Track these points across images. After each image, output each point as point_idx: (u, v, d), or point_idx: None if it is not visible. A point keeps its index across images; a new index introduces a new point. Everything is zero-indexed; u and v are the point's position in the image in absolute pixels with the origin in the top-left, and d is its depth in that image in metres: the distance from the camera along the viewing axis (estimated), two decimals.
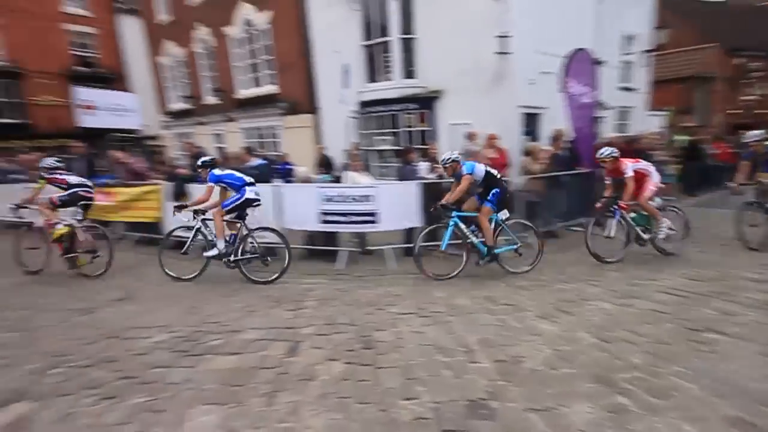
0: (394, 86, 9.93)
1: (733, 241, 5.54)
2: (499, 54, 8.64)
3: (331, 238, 6.07)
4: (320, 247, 6.13)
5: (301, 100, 12.07)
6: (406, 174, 6.18)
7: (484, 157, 6.48)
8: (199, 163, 5.20)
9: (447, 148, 8.37)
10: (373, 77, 10.44)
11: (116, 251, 5.50)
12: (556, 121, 7.85)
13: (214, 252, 5.01)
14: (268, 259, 5.13)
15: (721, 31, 17.86)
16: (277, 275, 5.02)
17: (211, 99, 14.79)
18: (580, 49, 7.24)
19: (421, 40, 9.54)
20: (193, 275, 5.11)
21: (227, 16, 13.12)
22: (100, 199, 6.86)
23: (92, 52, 21.58)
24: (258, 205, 5.15)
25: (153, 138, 18.67)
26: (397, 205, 5.72)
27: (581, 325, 3.43)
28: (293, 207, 5.85)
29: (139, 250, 6.76)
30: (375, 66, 10.37)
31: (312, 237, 6.21)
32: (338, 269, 5.64)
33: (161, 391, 2.63)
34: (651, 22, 13.47)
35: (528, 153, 7.23)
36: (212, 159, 5.41)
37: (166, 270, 5.14)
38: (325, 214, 5.72)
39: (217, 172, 5.04)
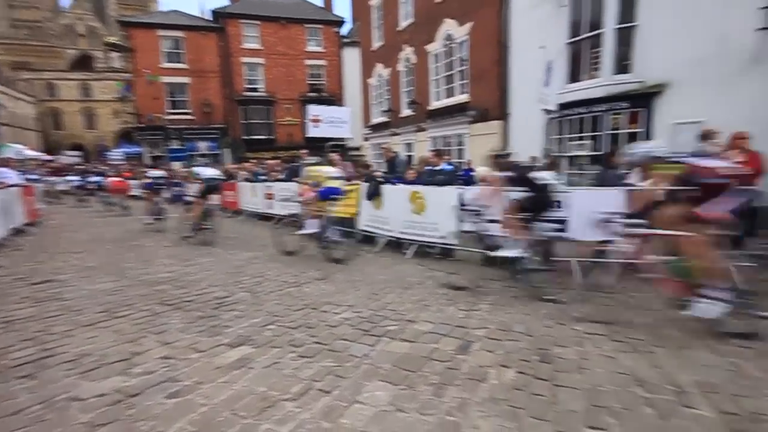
0: (600, 84, 8.83)
1: None
2: (762, 30, 6.64)
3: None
4: (494, 253, 5.87)
5: (491, 107, 11.99)
6: (608, 179, 5.37)
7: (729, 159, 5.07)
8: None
9: (669, 149, 7.02)
10: (575, 77, 9.54)
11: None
12: None
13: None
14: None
15: None
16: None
17: (406, 111, 16.17)
18: None
19: (642, 27, 8.20)
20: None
21: (431, 35, 14.12)
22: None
23: (321, 81, 26.66)
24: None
25: (356, 148, 21.76)
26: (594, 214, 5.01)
27: None
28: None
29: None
30: (579, 65, 9.45)
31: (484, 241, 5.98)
32: (513, 278, 5.29)
33: (345, 360, 2.95)
34: None
35: None
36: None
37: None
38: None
39: None
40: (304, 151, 9.22)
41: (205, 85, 24.56)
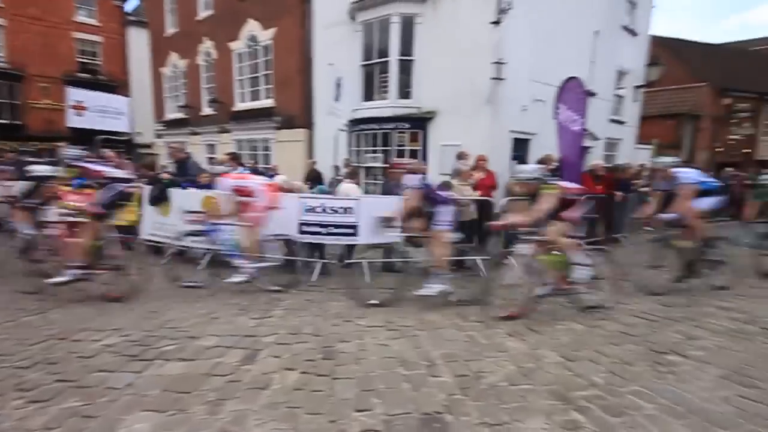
0: (388, 105, 10.04)
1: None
2: (494, 79, 8.80)
3: (307, 249, 5.97)
4: (295, 258, 6.02)
5: (296, 114, 12.20)
6: (391, 189, 6.15)
7: (473, 177, 6.56)
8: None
9: (437, 167, 8.56)
10: (369, 96, 10.58)
11: None
12: (546, 147, 7.92)
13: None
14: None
15: (711, 71, 18.37)
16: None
17: (207, 110, 14.92)
18: (572, 78, 7.37)
19: (418, 62, 9.72)
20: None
21: (234, 32, 13.38)
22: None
23: (97, 60, 21.95)
24: None
25: (148, 146, 18.80)
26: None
27: (548, 344, 3.35)
28: (275, 216, 5.77)
29: None
30: (372, 85, 10.53)
31: (288, 247, 6.10)
32: (312, 281, 5.52)
33: (98, 396, 2.50)
34: (644, 58, 13.86)
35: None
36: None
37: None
38: (305, 224, 5.65)
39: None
40: (63, 144, 7.35)
41: None
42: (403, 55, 9.79)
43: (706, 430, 2.22)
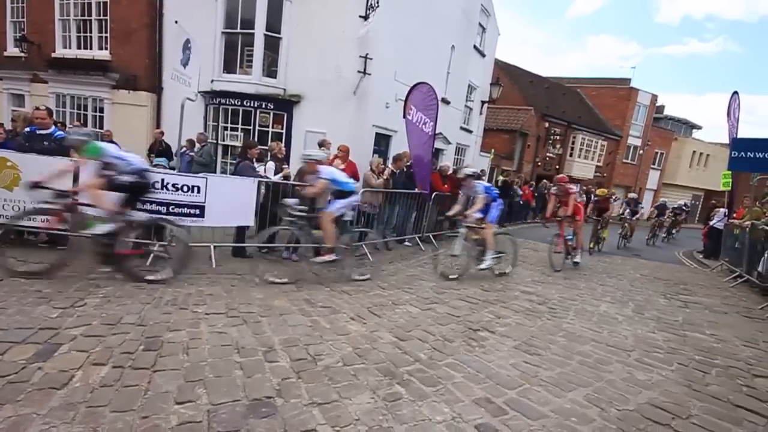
0: (252, 82, 9.44)
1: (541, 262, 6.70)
2: (360, 73, 9.02)
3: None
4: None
5: (139, 74, 10.54)
6: (243, 170, 5.80)
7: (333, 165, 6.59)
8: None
9: (300, 153, 8.39)
10: (230, 68, 9.76)
11: None
12: (405, 145, 8.48)
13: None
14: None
15: (537, 98, 22.29)
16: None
17: (13, 50, 11.80)
18: (423, 83, 8.04)
19: (285, 41, 9.34)
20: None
21: None
22: None
23: None
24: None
25: None
26: (229, 202, 5.32)
27: (385, 326, 3.62)
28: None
29: None
30: (234, 57, 9.73)
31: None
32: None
33: None
34: (489, 78, 15.98)
35: (371, 167, 7.60)
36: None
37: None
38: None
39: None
40: None
41: None
42: (270, 31, 9.30)
43: (497, 391, 2.68)
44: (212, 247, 5.38)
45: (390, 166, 7.92)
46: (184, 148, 9.50)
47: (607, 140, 24.91)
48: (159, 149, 9.09)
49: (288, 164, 7.19)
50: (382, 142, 10.52)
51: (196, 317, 3.44)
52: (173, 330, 3.12)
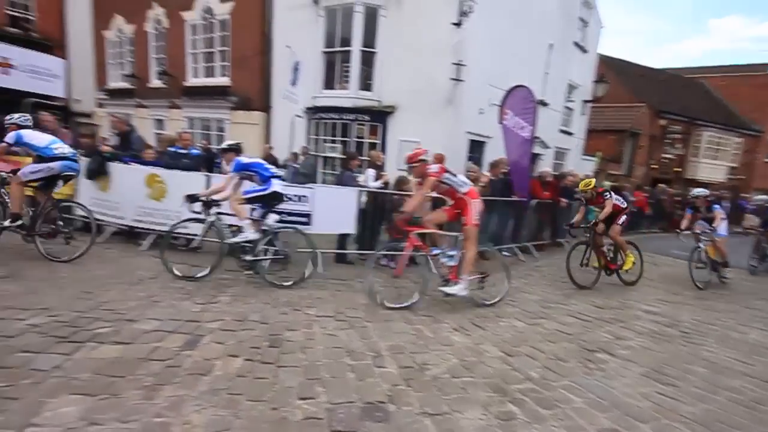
0: (349, 96, 9.97)
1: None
2: (453, 80, 9.00)
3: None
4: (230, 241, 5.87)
5: (253, 96, 11.76)
6: (346, 180, 6.13)
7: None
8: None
9: (395, 162, 8.62)
10: (329, 84, 10.44)
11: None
12: (500, 151, 8.23)
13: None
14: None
15: (649, 93, 19.95)
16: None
17: (156, 82, 13.99)
18: (520, 86, 7.70)
19: (380, 55, 9.71)
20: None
21: (187, 1, 12.60)
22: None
23: (29, 14, 19.76)
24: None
25: (87, 115, 17.27)
26: (333, 210, 5.65)
27: (490, 339, 3.51)
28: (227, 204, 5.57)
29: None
30: (333, 74, 10.39)
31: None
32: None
33: (20, 378, 2.31)
34: (592, 75, 14.76)
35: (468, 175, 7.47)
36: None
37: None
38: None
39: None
40: None
41: None
42: (365, 46, 9.75)
43: (626, 422, 2.43)
44: (318, 252, 5.74)
45: (487, 173, 7.71)
46: (289, 161, 10.37)
47: (742, 137, 21.31)
48: (269, 163, 10.01)
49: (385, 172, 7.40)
50: (476, 149, 10.31)
51: (309, 319, 3.70)
52: (291, 329, 3.40)
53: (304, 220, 5.53)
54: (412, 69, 9.30)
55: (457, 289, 4.17)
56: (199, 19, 12.55)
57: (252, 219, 4.60)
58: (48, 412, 2.06)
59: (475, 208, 4.31)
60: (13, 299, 3.40)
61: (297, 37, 10.12)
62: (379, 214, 5.94)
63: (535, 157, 11.58)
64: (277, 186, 4.58)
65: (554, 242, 8.22)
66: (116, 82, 15.55)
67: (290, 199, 5.54)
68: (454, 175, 4.45)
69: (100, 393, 2.25)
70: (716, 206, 6.18)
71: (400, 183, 5.80)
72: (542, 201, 7.81)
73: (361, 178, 6.37)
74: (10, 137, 4.44)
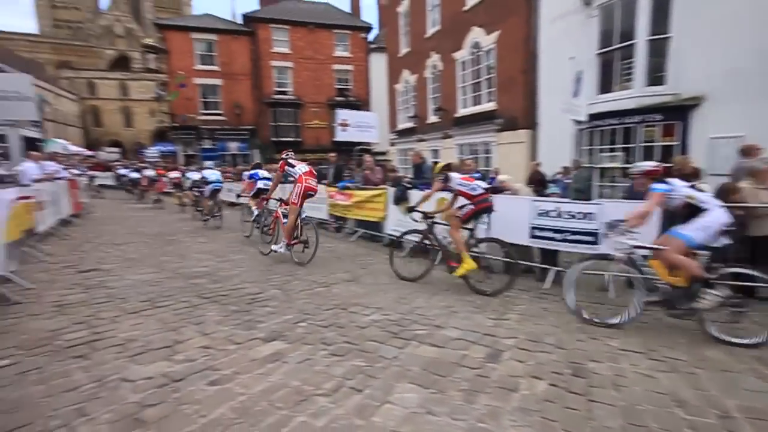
0: (632, 95, 8.68)
1: None
2: None
3: (534, 254, 5.73)
4: (527, 263, 5.87)
5: (519, 115, 11.91)
6: (638, 193, 5.24)
7: None
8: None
9: (704, 167, 6.85)
10: (606, 88, 9.39)
11: (348, 243, 6.52)
12: None
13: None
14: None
15: None
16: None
17: (432, 118, 16.20)
18: None
19: (676, 38, 8.04)
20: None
21: (458, 42, 14.16)
22: (340, 199, 8.46)
23: (348, 85, 26.99)
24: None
25: (382, 153, 21.88)
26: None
27: None
28: (501, 219, 5.77)
29: (363, 244, 7.95)
30: (610, 75, 9.32)
31: (514, 251, 6.02)
32: (544, 288, 5.25)
33: (375, 361, 3.00)
34: None
35: None
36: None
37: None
38: (537, 229, 5.43)
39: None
40: (332, 154, 9.41)
41: (236, 87, 25.17)
42: (654, 34, 8.25)
43: None
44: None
45: None
46: (560, 175, 9.84)
47: None
48: (537, 179, 9.82)
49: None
50: None
51: (612, 351, 3.30)
52: (593, 360, 3.11)
53: (589, 239, 5.06)
54: (728, 46, 7.23)
55: None
56: (468, 55, 13.83)
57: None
58: (397, 393, 2.58)
59: None
60: (358, 298, 4.52)
61: (564, 47, 9.65)
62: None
63: None
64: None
65: None
66: (403, 124, 19.00)
67: (572, 216, 5.21)
68: None
69: (429, 387, 2.66)
70: None
71: (728, 192, 4.51)
72: None
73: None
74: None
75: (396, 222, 7.21)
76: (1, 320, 3.54)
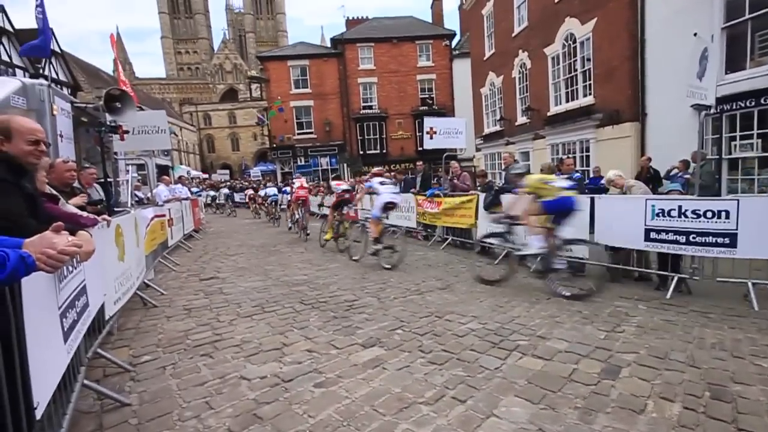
0: None
1: None
2: None
3: (650, 259, 5.08)
4: (641, 270, 5.24)
5: (622, 108, 10.79)
6: None
7: None
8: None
9: None
10: (735, 66, 8.09)
11: (438, 251, 6.48)
12: None
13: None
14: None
15: None
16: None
17: (521, 119, 15.45)
18: None
19: None
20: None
21: (549, 37, 13.38)
22: (429, 207, 8.44)
23: (432, 93, 27.07)
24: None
25: (469, 159, 21.44)
26: None
27: None
28: (607, 221, 5.24)
29: (453, 251, 7.81)
30: (738, 52, 8.01)
31: (626, 255, 5.40)
32: (666, 299, 4.61)
33: (475, 371, 2.88)
34: None
35: None
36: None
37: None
38: (654, 231, 4.82)
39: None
40: (420, 163, 9.48)
41: (326, 105, 26.81)
42: None
43: None
44: (750, 284, 4.35)
45: None
46: (677, 170, 8.65)
47: None
48: (647, 176, 8.75)
49: None
50: None
51: (763, 373, 2.76)
52: (740, 382, 2.63)
53: (725, 241, 4.34)
54: None
55: None
56: (560, 48, 12.97)
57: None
58: (503, 407, 2.44)
59: None
60: (452, 306, 4.42)
61: (679, 25, 8.55)
62: None
63: None
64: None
65: None
66: (489, 128, 18.42)
67: (699, 216, 4.53)
68: None
69: (539, 402, 2.47)
70: None
71: None
72: None
73: None
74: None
75: (487, 228, 6.96)
76: (143, 321, 4.14)
